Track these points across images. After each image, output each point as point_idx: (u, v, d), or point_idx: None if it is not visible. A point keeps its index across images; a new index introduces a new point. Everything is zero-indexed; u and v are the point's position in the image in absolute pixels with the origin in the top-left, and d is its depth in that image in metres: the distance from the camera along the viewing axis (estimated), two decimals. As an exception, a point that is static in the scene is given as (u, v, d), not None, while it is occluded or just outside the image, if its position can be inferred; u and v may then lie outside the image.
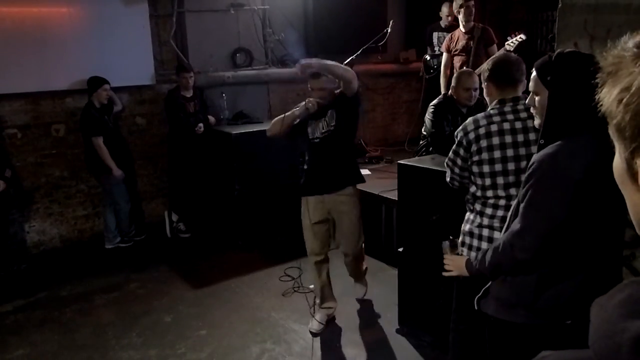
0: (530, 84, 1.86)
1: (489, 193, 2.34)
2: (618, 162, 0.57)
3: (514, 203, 2.30)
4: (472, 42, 5.28)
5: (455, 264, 2.09)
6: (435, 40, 6.28)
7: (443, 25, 6.27)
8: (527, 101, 1.92)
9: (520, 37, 4.72)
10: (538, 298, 1.76)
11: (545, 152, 1.70)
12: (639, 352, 0.46)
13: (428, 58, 6.22)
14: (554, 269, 1.74)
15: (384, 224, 4.66)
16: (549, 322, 1.76)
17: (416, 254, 3.33)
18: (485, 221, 2.34)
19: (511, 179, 2.30)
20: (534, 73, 1.83)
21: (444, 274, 2.15)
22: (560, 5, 2.52)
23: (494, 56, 4.68)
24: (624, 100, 0.50)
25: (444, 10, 6.13)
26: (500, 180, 2.31)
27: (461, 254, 2.22)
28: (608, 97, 0.53)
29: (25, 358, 3.42)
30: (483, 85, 2.47)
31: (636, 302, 0.51)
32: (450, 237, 2.17)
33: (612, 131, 0.56)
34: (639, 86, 0.49)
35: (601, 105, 0.55)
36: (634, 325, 0.48)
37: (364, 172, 5.64)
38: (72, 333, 3.70)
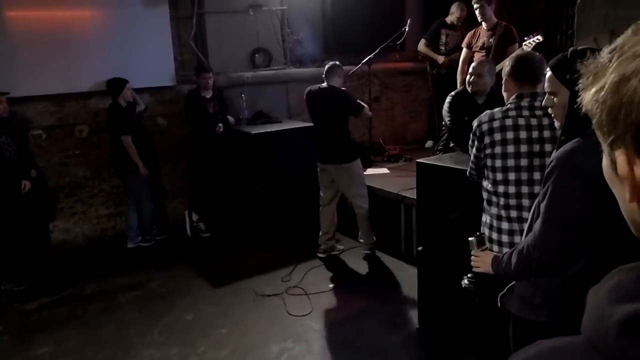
0: (546, 84, 1.82)
1: (500, 188, 2.33)
2: (606, 163, 0.60)
3: (527, 203, 2.28)
4: (493, 40, 5.22)
5: (482, 260, 2.06)
6: (443, 38, 6.22)
7: (449, 22, 6.22)
8: (544, 102, 1.88)
9: (537, 39, 4.65)
10: (563, 299, 1.72)
11: (564, 150, 1.67)
12: (625, 335, 0.49)
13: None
14: (580, 269, 1.71)
15: (403, 222, 4.64)
16: (574, 323, 1.72)
17: (436, 252, 3.31)
18: (503, 213, 2.33)
19: (523, 175, 2.28)
20: (549, 73, 1.79)
21: (474, 270, 2.12)
22: (579, 0, 2.49)
23: (517, 52, 4.64)
24: (600, 98, 0.55)
25: (453, 9, 6.08)
26: (511, 176, 2.29)
27: (489, 250, 2.19)
28: (587, 98, 0.58)
29: (50, 355, 3.49)
30: (503, 81, 2.46)
31: (623, 288, 0.54)
32: (477, 233, 2.15)
33: (596, 132, 0.59)
34: (611, 83, 0.54)
35: (582, 107, 0.59)
36: (621, 309, 0.50)
37: (382, 170, 5.63)
38: (95, 330, 3.76)
